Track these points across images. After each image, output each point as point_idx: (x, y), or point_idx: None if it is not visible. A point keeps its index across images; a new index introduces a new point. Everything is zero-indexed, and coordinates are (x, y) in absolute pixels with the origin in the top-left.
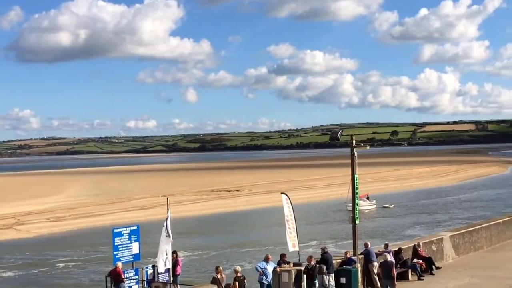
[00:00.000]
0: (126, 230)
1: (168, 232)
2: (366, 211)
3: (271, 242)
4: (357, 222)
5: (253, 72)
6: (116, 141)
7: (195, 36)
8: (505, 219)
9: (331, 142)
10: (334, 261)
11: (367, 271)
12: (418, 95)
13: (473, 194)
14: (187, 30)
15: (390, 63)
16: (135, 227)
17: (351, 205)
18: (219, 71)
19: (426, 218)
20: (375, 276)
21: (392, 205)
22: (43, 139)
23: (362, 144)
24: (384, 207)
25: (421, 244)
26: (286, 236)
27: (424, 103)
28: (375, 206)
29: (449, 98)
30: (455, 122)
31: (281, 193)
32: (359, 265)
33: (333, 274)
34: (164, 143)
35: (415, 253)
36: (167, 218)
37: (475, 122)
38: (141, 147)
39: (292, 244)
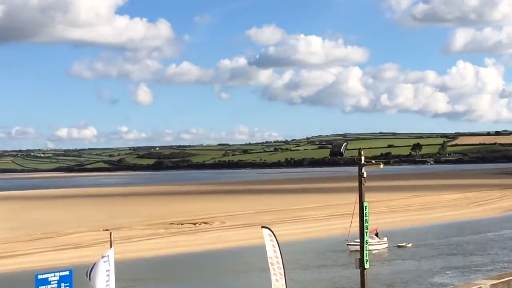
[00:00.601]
0: (55, 276)
1: (108, 278)
2: (374, 251)
3: None
4: (366, 266)
5: (228, 63)
6: (42, 155)
7: (149, 15)
8: None
9: (332, 159)
10: None
11: None
12: (448, 96)
13: None
14: (138, 7)
15: (411, 53)
16: (67, 273)
17: (354, 243)
18: (182, 62)
19: (460, 260)
20: None
21: (410, 244)
22: None
23: (374, 162)
24: (400, 246)
25: None
26: (272, 285)
27: (457, 107)
28: (386, 245)
29: (490, 101)
30: (497, 133)
31: (263, 227)
32: None
33: None
34: (107, 158)
35: None
36: (104, 257)
37: None
38: (76, 163)
39: None
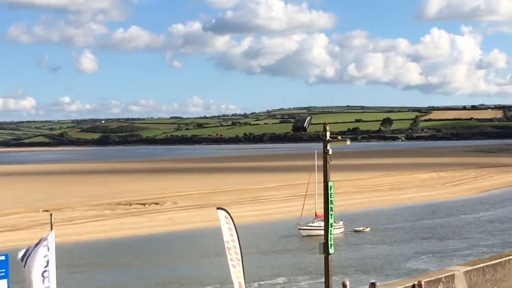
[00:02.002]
0: None
1: (47, 262)
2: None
3: (211, 279)
4: (331, 251)
5: (181, 29)
6: None
7: None
8: None
9: (294, 134)
10: None
11: None
12: (421, 67)
13: (499, 212)
14: None
15: (382, 19)
16: (3, 257)
17: (306, 227)
18: (130, 27)
19: (435, 245)
20: None
21: (368, 228)
22: None
23: (340, 138)
24: (356, 231)
25: (422, 283)
26: (230, 271)
27: (430, 78)
28: (342, 229)
29: (466, 72)
30: (474, 107)
31: (218, 208)
32: None
33: None
34: (48, 132)
35: None
36: (43, 241)
37: (503, 107)
38: (13, 137)
39: (238, 284)
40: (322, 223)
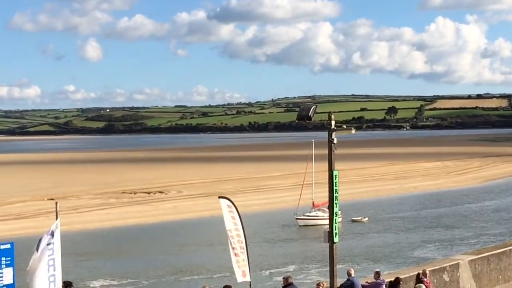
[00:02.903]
0: None
1: (52, 251)
2: (326, 226)
3: (219, 267)
4: (336, 240)
5: (185, 17)
6: None
7: None
8: None
9: (299, 123)
10: None
11: None
12: (426, 56)
13: (504, 201)
14: None
15: (386, 8)
16: (8, 246)
17: (304, 217)
18: (135, 15)
19: (442, 234)
20: None
21: (366, 218)
22: None
23: (345, 127)
24: (354, 220)
25: (427, 272)
26: (232, 259)
27: (435, 67)
28: (340, 219)
29: (471, 61)
30: (479, 96)
31: (220, 197)
32: None
33: None
34: (52, 120)
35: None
36: (50, 232)
37: (508, 96)
38: (18, 126)
39: (242, 272)
40: (319, 213)
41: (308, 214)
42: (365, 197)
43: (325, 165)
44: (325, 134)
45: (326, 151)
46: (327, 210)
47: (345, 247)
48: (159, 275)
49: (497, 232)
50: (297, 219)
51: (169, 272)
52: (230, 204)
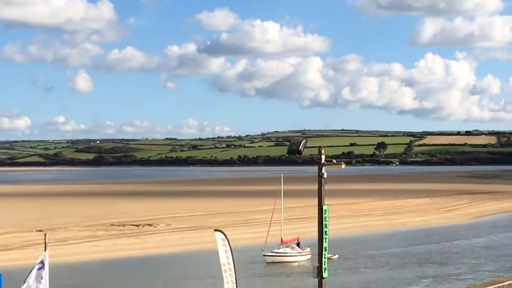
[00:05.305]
0: None
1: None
2: (294, 264)
3: None
4: (325, 275)
5: (176, 50)
6: None
7: None
8: None
9: (289, 157)
10: None
11: None
12: (415, 92)
13: (492, 238)
14: None
15: (376, 43)
16: None
17: (271, 253)
18: (125, 47)
19: (435, 270)
20: None
21: (336, 256)
22: None
23: (335, 161)
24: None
25: None
26: None
27: (424, 103)
28: (310, 256)
29: (460, 98)
30: (468, 133)
31: (215, 230)
32: None
33: None
34: (42, 151)
35: None
36: (40, 264)
37: (496, 133)
38: (7, 156)
39: None
40: (288, 250)
41: (275, 250)
42: (353, 233)
43: (295, 201)
44: (314, 168)
45: (295, 187)
46: (296, 247)
47: (337, 282)
48: None
49: (488, 269)
50: (264, 255)
51: None
52: (224, 237)
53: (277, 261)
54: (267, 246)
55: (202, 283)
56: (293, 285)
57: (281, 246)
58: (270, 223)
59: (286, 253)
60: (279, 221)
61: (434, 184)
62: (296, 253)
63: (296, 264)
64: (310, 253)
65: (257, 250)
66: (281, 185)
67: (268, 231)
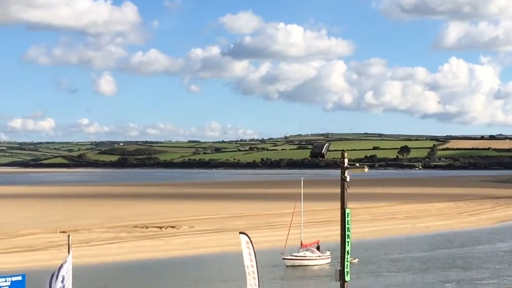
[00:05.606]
0: (6, 281)
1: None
2: (314, 267)
3: None
4: (347, 278)
5: (200, 53)
6: None
7: None
8: None
9: (312, 160)
10: None
11: None
12: (439, 96)
13: None
14: None
15: (400, 47)
16: (19, 278)
17: (291, 257)
18: (149, 50)
19: (458, 274)
20: None
21: (356, 260)
22: None
23: (357, 165)
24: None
25: None
26: None
27: (448, 107)
28: (329, 260)
29: (485, 102)
30: (491, 137)
31: (240, 232)
32: None
33: None
34: (66, 153)
35: None
36: (61, 267)
37: None
38: (31, 158)
39: None
40: (307, 253)
41: (295, 254)
42: (375, 236)
43: (317, 204)
44: (337, 172)
45: (317, 190)
46: (316, 250)
47: (359, 285)
48: None
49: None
50: (284, 259)
51: None
52: (248, 240)
53: (297, 264)
54: (288, 249)
55: (224, 285)
56: (360, 285)
57: (301, 250)
58: (290, 227)
59: (305, 256)
60: (299, 225)
61: (457, 189)
62: (316, 256)
63: (316, 267)
64: (330, 256)
65: (278, 253)
66: (301, 188)
67: (288, 234)
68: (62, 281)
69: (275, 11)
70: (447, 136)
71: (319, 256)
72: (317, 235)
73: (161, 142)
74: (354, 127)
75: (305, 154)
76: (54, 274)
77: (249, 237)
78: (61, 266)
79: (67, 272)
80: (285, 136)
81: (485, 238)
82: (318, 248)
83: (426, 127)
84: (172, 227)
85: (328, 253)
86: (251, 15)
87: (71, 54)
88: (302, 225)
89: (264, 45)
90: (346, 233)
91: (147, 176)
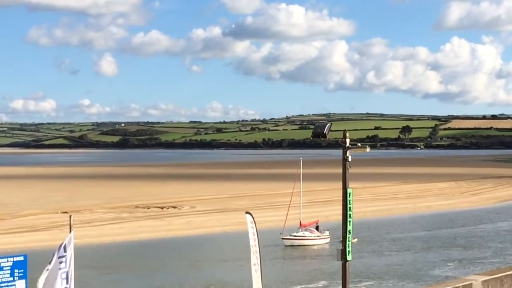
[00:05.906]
0: (8, 261)
1: (66, 266)
2: (314, 247)
3: (237, 284)
4: (349, 258)
5: (201, 33)
6: None
7: None
8: None
9: (313, 140)
10: None
11: None
12: (441, 76)
13: None
14: None
15: (401, 27)
16: (21, 258)
17: (290, 237)
18: (150, 31)
19: (460, 253)
20: None
21: (356, 239)
22: None
23: (359, 145)
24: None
25: None
26: (252, 276)
27: (450, 87)
28: (328, 239)
29: (486, 81)
30: (493, 117)
31: (246, 212)
32: None
33: None
34: (67, 134)
35: None
36: (61, 246)
37: None
38: (33, 138)
39: None
40: (306, 233)
41: (294, 234)
42: (377, 216)
43: (319, 184)
44: (338, 152)
45: (319, 170)
46: (315, 230)
47: (361, 264)
48: None
49: None
50: (283, 239)
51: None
52: (252, 220)
53: (296, 244)
54: (287, 229)
55: (226, 264)
56: (317, 267)
57: (300, 230)
58: (289, 207)
59: (304, 236)
60: (299, 205)
61: (459, 168)
62: (314, 236)
63: (315, 247)
64: (329, 236)
65: (279, 233)
66: (300, 168)
67: (287, 215)
68: (64, 261)
69: None
70: (448, 115)
71: (318, 236)
72: (318, 215)
73: (163, 123)
74: (355, 107)
75: (307, 134)
76: (54, 254)
77: (253, 217)
78: (63, 245)
79: (68, 252)
80: (286, 116)
81: (486, 217)
82: (317, 228)
83: (427, 107)
84: (174, 207)
85: (327, 233)
86: None
87: (72, 35)
88: (301, 205)
89: (266, 26)
90: (348, 212)
91: (148, 157)
